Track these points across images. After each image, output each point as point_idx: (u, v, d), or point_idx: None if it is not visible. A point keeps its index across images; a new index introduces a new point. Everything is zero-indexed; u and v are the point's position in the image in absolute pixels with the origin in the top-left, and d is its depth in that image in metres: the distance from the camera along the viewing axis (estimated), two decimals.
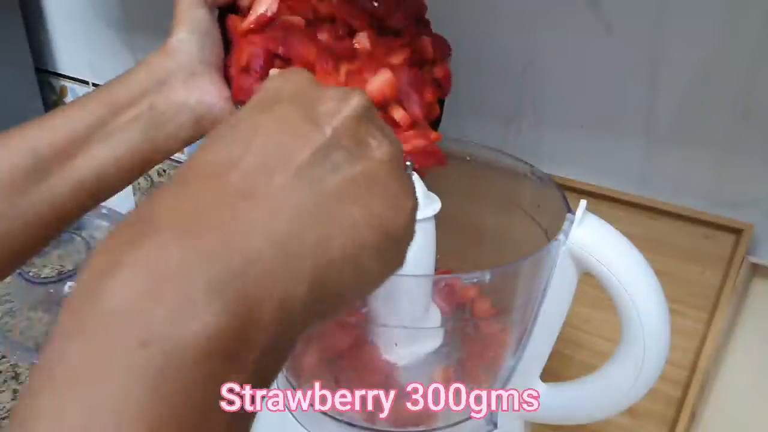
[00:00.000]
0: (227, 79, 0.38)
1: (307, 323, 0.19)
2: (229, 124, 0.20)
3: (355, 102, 0.21)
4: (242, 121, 0.20)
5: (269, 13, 0.37)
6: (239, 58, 0.37)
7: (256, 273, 0.17)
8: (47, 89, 0.96)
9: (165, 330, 0.14)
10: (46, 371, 0.14)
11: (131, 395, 0.14)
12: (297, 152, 0.19)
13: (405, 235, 0.22)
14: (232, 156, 0.19)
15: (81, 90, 0.92)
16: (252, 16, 0.38)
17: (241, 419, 0.16)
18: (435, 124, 0.42)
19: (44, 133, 0.34)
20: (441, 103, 0.42)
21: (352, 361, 0.41)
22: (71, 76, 0.92)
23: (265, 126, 0.20)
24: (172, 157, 0.38)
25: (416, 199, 0.22)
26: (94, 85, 0.90)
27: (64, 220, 0.35)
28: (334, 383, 0.41)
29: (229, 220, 0.17)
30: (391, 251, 0.21)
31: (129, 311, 0.14)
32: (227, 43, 0.38)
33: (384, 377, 0.41)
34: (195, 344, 0.14)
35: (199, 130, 0.37)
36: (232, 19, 0.38)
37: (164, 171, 0.84)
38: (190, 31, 0.37)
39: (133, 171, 0.36)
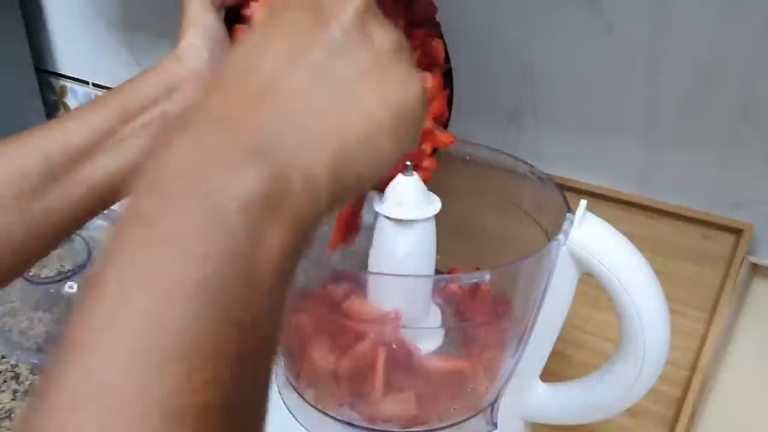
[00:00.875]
0: None
1: (329, 203, 0.21)
2: (244, 38, 0.23)
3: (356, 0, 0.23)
4: (256, 33, 0.23)
5: None
6: None
7: (282, 146, 0.19)
8: (47, 89, 0.96)
9: (220, 185, 0.17)
10: (121, 225, 0.17)
11: (195, 236, 0.16)
12: (309, 51, 0.22)
13: (417, 113, 0.24)
14: (250, 63, 0.22)
15: (81, 90, 0.92)
16: None
17: (284, 269, 0.19)
18: (445, 125, 0.42)
19: (56, 139, 0.34)
20: (449, 103, 0.43)
21: (353, 361, 0.41)
22: (71, 76, 0.92)
23: (277, 32, 0.22)
24: None
25: (422, 81, 0.24)
26: (94, 85, 0.90)
27: (74, 224, 0.35)
28: (334, 383, 0.41)
29: (254, 110, 0.20)
30: (404, 129, 0.23)
31: (188, 174, 0.18)
32: None
33: (384, 377, 0.41)
34: (241, 196, 0.17)
35: None
36: (240, 30, 0.38)
37: None
38: (201, 37, 0.36)
39: None
